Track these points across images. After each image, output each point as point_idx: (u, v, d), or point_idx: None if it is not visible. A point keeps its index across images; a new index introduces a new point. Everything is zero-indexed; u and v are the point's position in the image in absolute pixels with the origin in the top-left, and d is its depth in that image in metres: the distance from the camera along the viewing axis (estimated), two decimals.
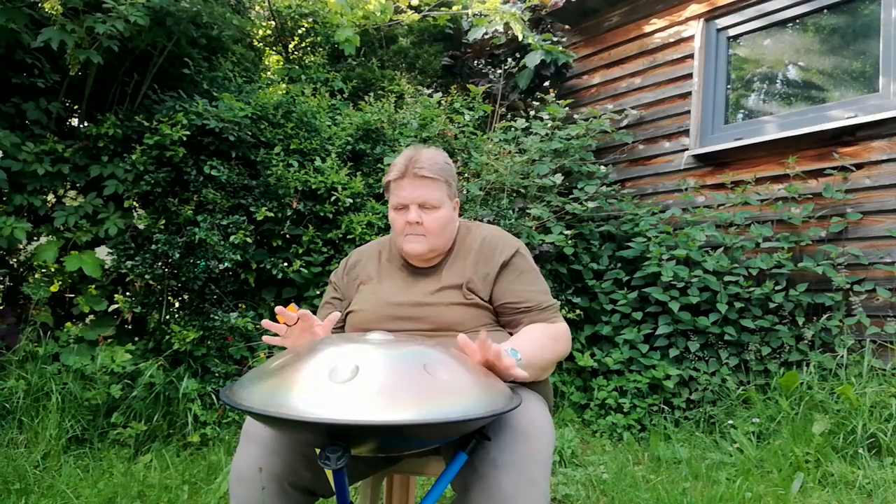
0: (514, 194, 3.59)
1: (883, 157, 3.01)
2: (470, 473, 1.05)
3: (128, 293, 3.00)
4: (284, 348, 1.21)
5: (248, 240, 2.91)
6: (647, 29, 4.09)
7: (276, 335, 1.19)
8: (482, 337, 1.03)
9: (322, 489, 1.18)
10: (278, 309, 1.15)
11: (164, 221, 2.91)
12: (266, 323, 1.15)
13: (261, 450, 1.13)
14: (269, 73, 4.22)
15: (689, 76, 3.84)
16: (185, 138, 2.82)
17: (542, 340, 1.26)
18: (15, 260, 2.96)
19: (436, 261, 1.41)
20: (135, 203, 2.96)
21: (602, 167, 3.88)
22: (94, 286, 2.88)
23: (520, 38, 4.08)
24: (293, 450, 1.13)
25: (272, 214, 3.00)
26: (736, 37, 3.77)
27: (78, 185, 2.94)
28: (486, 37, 4.58)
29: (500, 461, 1.04)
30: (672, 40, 3.96)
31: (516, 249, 1.40)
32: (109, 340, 2.84)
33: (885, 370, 2.76)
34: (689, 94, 3.83)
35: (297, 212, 3.07)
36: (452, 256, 1.40)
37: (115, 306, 2.91)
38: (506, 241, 1.42)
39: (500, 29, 4.47)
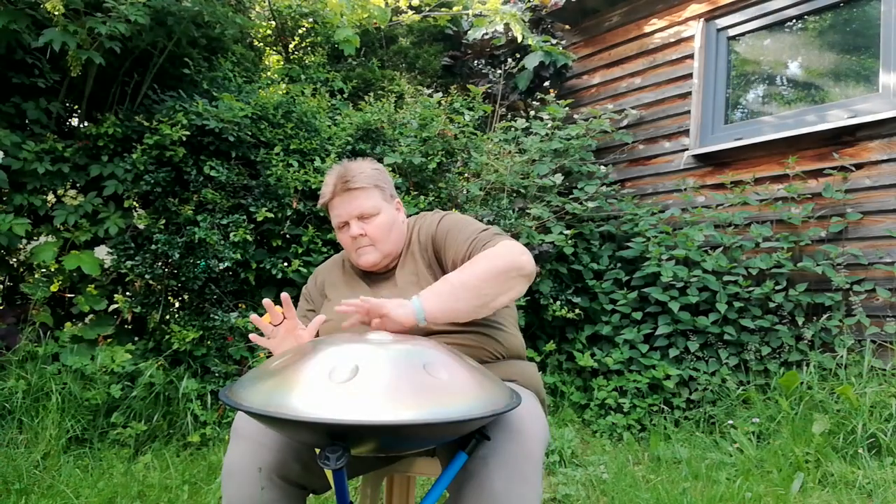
0: (514, 194, 3.59)
1: (882, 157, 3.01)
2: (462, 472, 1.05)
3: (128, 293, 3.00)
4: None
5: (248, 238, 2.91)
6: (647, 29, 4.09)
7: (262, 335, 1.21)
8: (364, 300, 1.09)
9: (312, 484, 1.18)
10: (266, 302, 1.16)
11: (164, 221, 2.91)
12: (254, 318, 1.17)
13: (250, 444, 1.13)
14: (269, 73, 4.22)
15: (689, 76, 3.84)
16: (184, 138, 2.82)
17: (468, 266, 1.21)
18: (14, 259, 2.96)
19: (393, 264, 1.41)
20: (135, 203, 2.96)
21: (602, 167, 3.88)
22: (93, 286, 2.88)
23: (519, 39, 4.09)
24: (282, 444, 1.13)
25: (272, 214, 3.00)
26: (736, 37, 3.77)
27: (78, 184, 2.94)
28: (486, 37, 4.58)
29: (490, 459, 1.04)
30: (672, 40, 3.96)
31: (439, 219, 1.40)
32: (109, 340, 2.84)
33: (885, 370, 2.76)
34: (689, 94, 3.83)
35: (296, 212, 3.07)
36: (403, 255, 1.41)
37: (115, 306, 2.91)
38: (430, 218, 1.42)
39: (500, 29, 4.48)
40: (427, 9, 4.87)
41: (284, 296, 1.19)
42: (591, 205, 3.56)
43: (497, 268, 1.18)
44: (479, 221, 1.38)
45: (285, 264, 3.02)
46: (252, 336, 1.21)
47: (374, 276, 1.43)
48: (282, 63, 4.42)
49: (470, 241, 1.29)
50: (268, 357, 2.76)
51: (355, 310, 1.12)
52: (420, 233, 1.40)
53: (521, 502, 1.02)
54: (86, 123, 3.04)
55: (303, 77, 4.06)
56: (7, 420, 2.41)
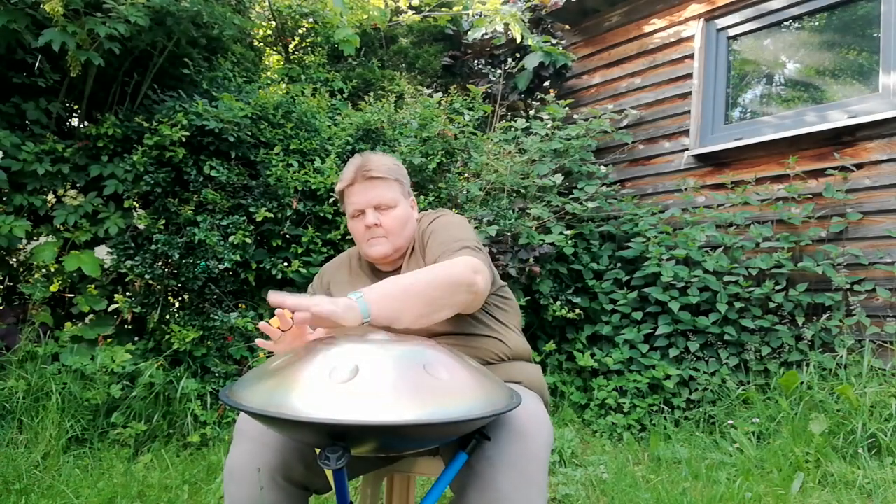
0: (514, 194, 3.59)
1: (883, 157, 3.01)
2: (467, 473, 1.05)
3: (128, 293, 3.00)
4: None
5: (248, 240, 2.91)
6: (647, 29, 4.09)
7: (269, 339, 1.19)
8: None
9: (315, 484, 1.18)
10: (278, 312, 1.15)
11: (164, 221, 2.91)
12: (262, 325, 1.15)
13: (252, 445, 1.13)
14: (269, 73, 4.22)
15: (689, 76, 3.84)
16: (184, 139, 2.82)
17: (420, 271, 1.15)
18: (14, 260, 2.96)
19: (400, 262, 1.40)
20: (135, 203, 2.96)
21: (602, 167, 3.88)
22: (93, 286, 2.88)
23: (519, 39, 4.09)
24: (285, 444, 1.13)
25: (272, 215, 3.00)
26: (736, 37, 3.77)
27: (78, 184, 2.94)
28: (485, 37, 4.58)
29: (496, 460, 1.04)
30: (672, 40, 3.96)
31: (434, 218, 1.39)
32: (109, 340, 2.84)
33: (884, 370, 2.76)
34: (689, 94, 3.83)
35: (296, 212, 3.07)
36: (408, 256, 1.40)
37: (115, 306, 2.91)
38: (431, 216, 1.41)
39: (500, 29, 4.47)
40: (427, 9, 4.87)
41: (298, 315, 1.18)
42: (591, 205, 3.56)
43: (446, 278, 1.14)
44: (470, 229, 1.36)
45: (285, 264, 3.03)
46: (258, 341, 1.20)
47: (382, 276, 1.41)
48: (282, 63, 4.42)
49: (441, 247, 1.28)
50: (268, 357, 2.77)
51: (301, 318, 0.99)
52: (421, 232, 1.40)
53: (526, 503, 1.02)
54: (86, 123, 3.04)
55: (303, 77, 4.06)
56: (7, 420, 2.41)
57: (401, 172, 1.41)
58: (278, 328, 1.17)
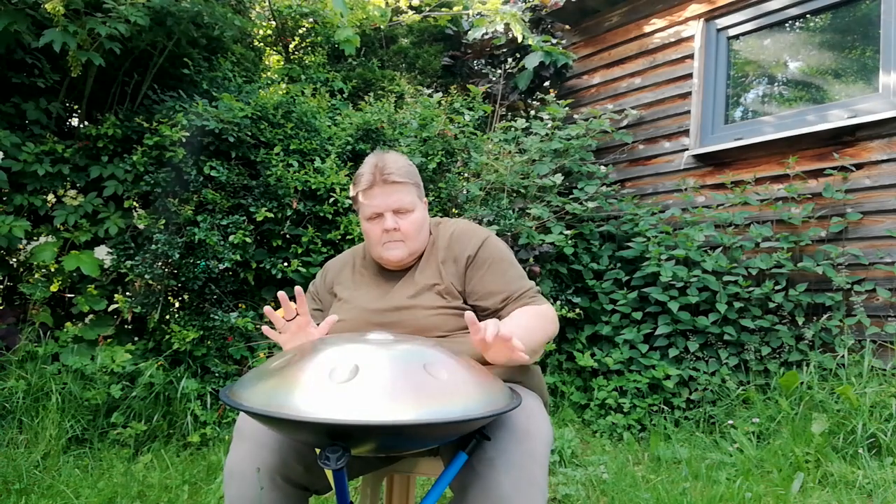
0: (514, 194, 3.59)
1: (882, 157, 3.01)
2: (468, 473, 1.05)
3: (128, 293, 3.00)
4: (280, 347, 1.22)
5: (248, 240, 2.91)
6: (647, 29, 4.09)
7: (274, 329, 1.21)
8: (492, 320, 1.05)
9: (315, 485, 1.18)
10: (280, 295, 1.16)
11: (164, 221, 2.91)
12: (268, 310, 1.16)
13: (252, 445, 1.13)
14: (269, 73, 4.22)
15: (689, 76, 3.84)
16: (184, 139, 2.82)
17: (531, 322, 1.23)
18: (14, 260, 2.96)
19: (411, 265, 1.40)
20: (135, 203, 2.96)
21: (602, 167, 3.88)
22: (93, 286, 2.88)
23: (520, 39, 4.09)
24: (285, 444, 1.13)
25: (272, 215, 3.00)
26: (736, 37, 3.77)
27: (78, 185, 2.94)
28: (486, 37, 4.58)
29: (497, 461, 1.04)
30: (672, 40, 3.96)
31: (482, 241, 1.37)
32: (109, 340, 2.84)
33: (885, 370, 2.76)
34: (689, 94, 3.83)
35: (296, 212, 3.07)
36: (425, 257, 1.39)
37: (115, 306, 2.91)
38: (471, 234, 1.39)
39: (501, 29, 4.48)
40: (427, 9, 4.88)
41: (298, 290, 1.18)
42: (591, 205, 3.56)
43: (553, 332, 1.29)
44: (514, 258, 1.41)
45: (285, 264, 3.03)
46: (264, 329, 1.21)
47: (391, 276, 1.41)
48: (282, 63, 4.42)
49: (512, 287, 1.32)
50: (268, 357, 2.77)
51: (485, 333, 1.03)
52: (453, 243, 1.38)
53: (527, 503, 1.02)
54: (86, 124, 3.04)
55: (303, 77, 4.06)
56: (7, 420, 2.41)
57: (416, 175, 1.41)
58: (283, 317, 1.18)
